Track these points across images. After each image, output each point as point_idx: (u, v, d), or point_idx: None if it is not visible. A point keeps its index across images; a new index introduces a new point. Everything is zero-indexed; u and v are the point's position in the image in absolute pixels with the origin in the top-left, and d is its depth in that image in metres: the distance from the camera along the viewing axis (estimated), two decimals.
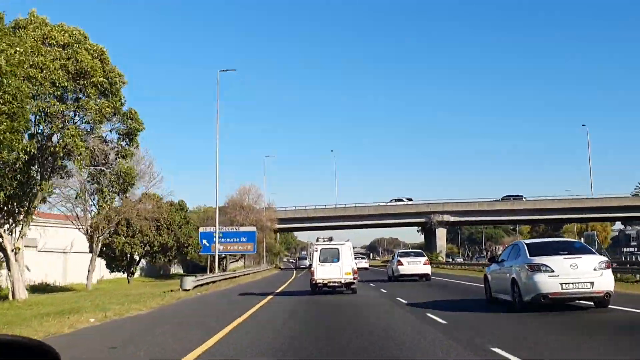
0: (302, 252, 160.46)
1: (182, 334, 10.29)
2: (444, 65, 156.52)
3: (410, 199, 72.03)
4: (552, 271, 12.12)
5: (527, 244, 13.43)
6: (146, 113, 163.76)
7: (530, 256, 12.72)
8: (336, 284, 20.68)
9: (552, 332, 9.37)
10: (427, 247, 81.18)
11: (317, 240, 21.89)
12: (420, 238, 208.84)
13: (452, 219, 72.62)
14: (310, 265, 21.88)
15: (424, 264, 30.68)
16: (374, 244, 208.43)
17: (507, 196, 68.89)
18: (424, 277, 30.03)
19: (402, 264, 30.88)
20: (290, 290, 24.12)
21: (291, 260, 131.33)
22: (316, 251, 20.99)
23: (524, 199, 67.82)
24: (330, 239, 22.07)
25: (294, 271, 59.62)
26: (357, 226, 79.70)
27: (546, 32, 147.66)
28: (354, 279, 20.54)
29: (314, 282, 20.48)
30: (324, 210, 74.25)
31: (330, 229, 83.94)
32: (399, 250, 40.65)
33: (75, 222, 31.09)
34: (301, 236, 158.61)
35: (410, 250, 39.95)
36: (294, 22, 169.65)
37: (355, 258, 24.00)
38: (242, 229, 53.89)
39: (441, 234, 73.45)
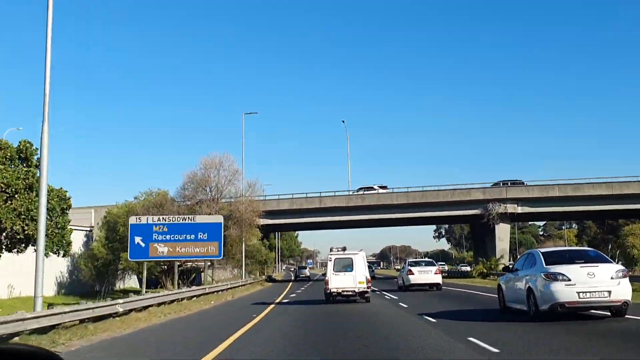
0: (309, 261, 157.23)
1: None
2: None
3: (384, 187, 60.48)
4: (569, 280, 13.17)
5: (542, 253, 14.80)
6: None
7: (546, 265, 13.93)
8: (350, 293, 23.21)
9: (580, 341, 10.58)
10: (479, 251, 66.24)
11: (331, 250, 24.21)
12: (435, 245, 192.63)
13: (520, 209, 57.33)
14: (324, 274, 26.49)
15: (435, 274, 32.83)
16: (385, 252, 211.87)
17: (502, 181, 58.92)
18: (434, 286, 32.53)
19: (412, 273, 32.92)
20: None
21: (291, 270, 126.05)
22: (330, 261, 23.70)
23: (525, 184, 57.87)
24: (344, 249, 24.27)
25: (290, 284, 50.95)
26: (379, 222, 65.95)
27: None
28: (368, 288, 23.28)
29: (328, 291, 23.16)
30: (334, 199, 59.34)
31: (342, 225, 69.01)
32: (410, 260, 41.70)
33: None
34: (306, 242, 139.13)
35: (421, 259, 42.37)
36: None
37: None
38: (200, 219, 38.18)
39: (502, 232, 58.72)
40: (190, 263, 47.04)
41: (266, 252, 53.95)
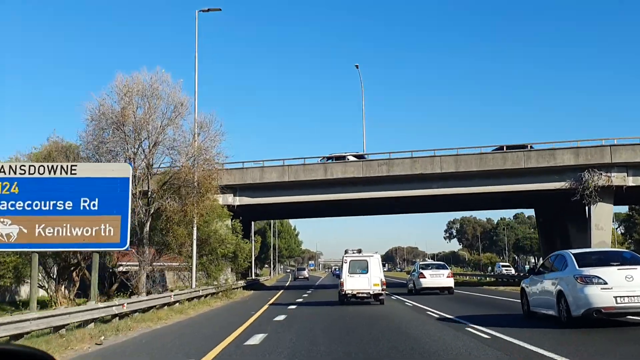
0: (310, 262, 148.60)
1: None
2: None
3: (361, 156, 44.92)
4: (605, 283, 13.22)
5: (574, 254, 15.03)
6: None
7: (579, 267, 14.02)
8: (364, 295, 24.83)
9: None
10: (551, 246, 44.76)
11: (346, 252, 26.22)
12: (445, 246, 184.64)
13: (632, 180, 38.57)
14: (339, 276, 28.09)
15: (447, 277, 34.20)
16: (391, 254, 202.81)
17: (498, 147, 43.38)
18: (446, 290, 34.26)
19: (424, 277, 33.84)
20: None
21: (288, 270, 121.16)
22: (345, 262, 25.37)
23: (529, 147, 43.46)
24: (360, 251, 26.36)
25: (277, 295, 35.21)
26: (412, 201, 45.83)
27: None
28: (382, 290, 25.21)
29: (343, 292, 25.11)
30: (346, 166, 41.40)
31: (358, 208, 47.85)
32: (421, 262, 42.82)
33: None
34: (307, 244, 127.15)
35: (432, 262, 44.73)
36: None
37: None
38: (85, 170, 21.46)
39: (602, 215, 38.93)
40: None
41: (236, 240, 35.08)
